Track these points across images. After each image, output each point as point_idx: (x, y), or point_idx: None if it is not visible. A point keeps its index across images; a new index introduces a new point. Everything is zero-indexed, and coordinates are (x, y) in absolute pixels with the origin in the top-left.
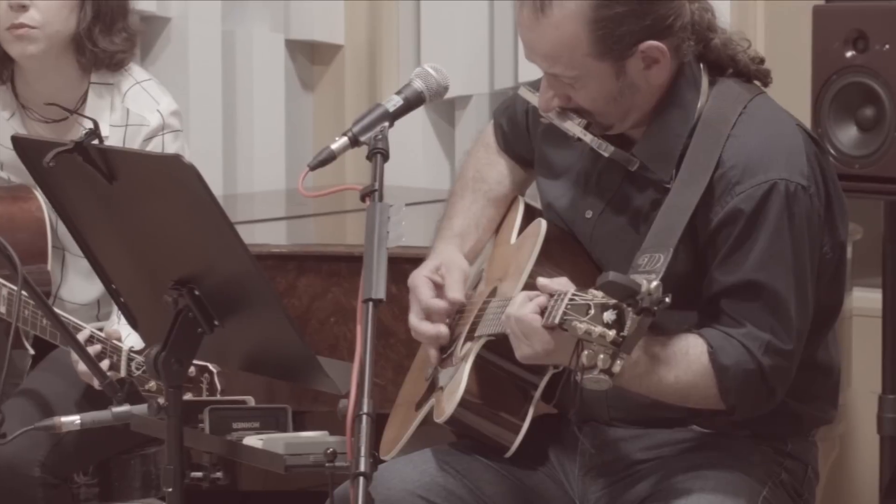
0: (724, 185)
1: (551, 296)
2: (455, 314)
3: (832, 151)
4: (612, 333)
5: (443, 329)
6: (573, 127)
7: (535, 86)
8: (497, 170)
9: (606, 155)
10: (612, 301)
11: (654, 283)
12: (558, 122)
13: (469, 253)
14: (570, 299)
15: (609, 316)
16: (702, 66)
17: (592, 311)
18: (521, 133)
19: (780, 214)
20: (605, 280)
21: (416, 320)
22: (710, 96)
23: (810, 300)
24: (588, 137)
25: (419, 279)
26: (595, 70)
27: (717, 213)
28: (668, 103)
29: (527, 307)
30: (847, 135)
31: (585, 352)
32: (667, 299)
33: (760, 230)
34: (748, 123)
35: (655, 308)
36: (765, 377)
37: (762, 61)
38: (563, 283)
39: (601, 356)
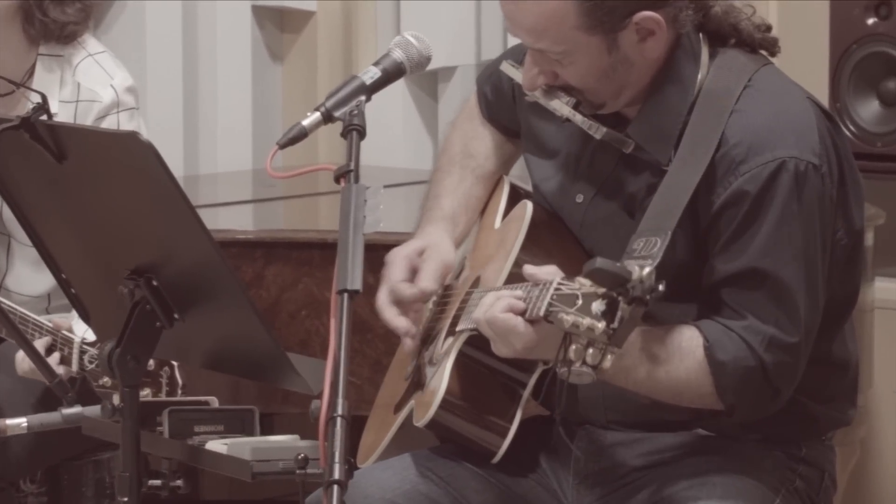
0: (727, 165)
1: (536, 285)
2: (435, 305)
3: (852, 128)
4: (601, 325)
5: (407, 323)
6: (561, 107)
7: (518, 59)
8: (485, 144)
9: (598, 137)
10: (602, 290)
11: (647, 270)
12: (545, 101)
13: (459, 237)
14: (556, 289)
15: (598, 306)
16: (701, 36)
17: (580, 302)
18: (506, 103)
19: (789, 196)
20: (592, 267)
21: (384, 301)
22: (712, 68)
23: (821, 290)
24: (578, 118)
25: (397, 257)
26: (584, 45)
27: (719, 196)
28: (664, 78)
29: (497, 307)
30: (868, 110)
31: (573, 346)
32: (660, 287)
33: (766, 213)
34: (753, 97)
35: (648, 297)
36: (767, 375)
37: (769, 29)
38: (551, 272)
39: (590, 350)
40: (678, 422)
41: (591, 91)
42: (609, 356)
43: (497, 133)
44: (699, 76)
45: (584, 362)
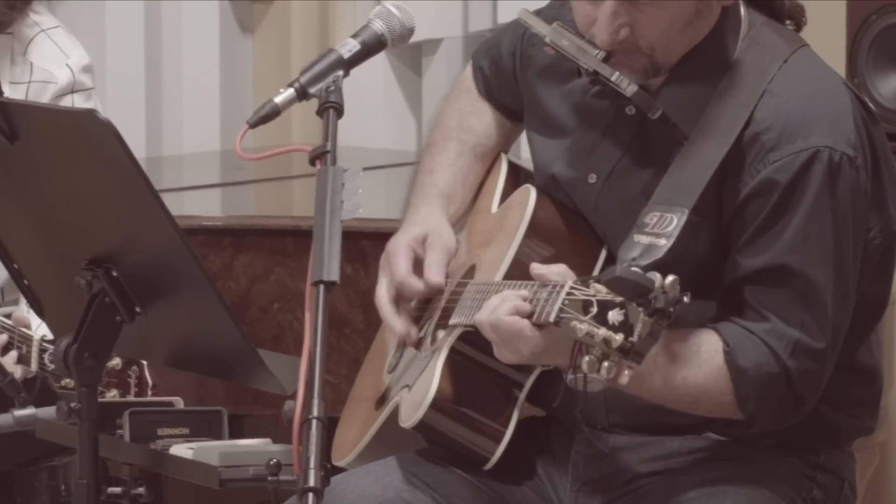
0: (756, 151)
1: (544, 286)
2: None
3: (870, 105)
4: (618, 338)
5: (406, 326)
6: (590, 60)
7: (519, 32)
8: (485, 121)
9: (628, 95)
10: (619, 298)
11: (670, 279)
12: (571, 52)
13: (453, 216)
14: (568, 293)
15: (615, 316)
16: (741, 4)
17: (595, 310)
18: (506, 79)
19: (821, 189)
20: (611, 276)
21: (385, 299)
22: (745, 42)
23: (852, 291)
24: (607, 71)
25: (400, 246)
26: None
27: (745, 184)
28: (707, 41)
29: (501, 309)
30: (888, 85)
31: (586, 357)
32: (685, 298)
33: (796, 207)
34: (788, 79)
35: (672, 309)
36: (791, 382)
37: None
38: (561, 272)
39: (605, 364)
40: (687, 425)
41: (665, 47)
42: (626, 371)
43: (496, 111)
44: (737, 49)
45: (600, 377)
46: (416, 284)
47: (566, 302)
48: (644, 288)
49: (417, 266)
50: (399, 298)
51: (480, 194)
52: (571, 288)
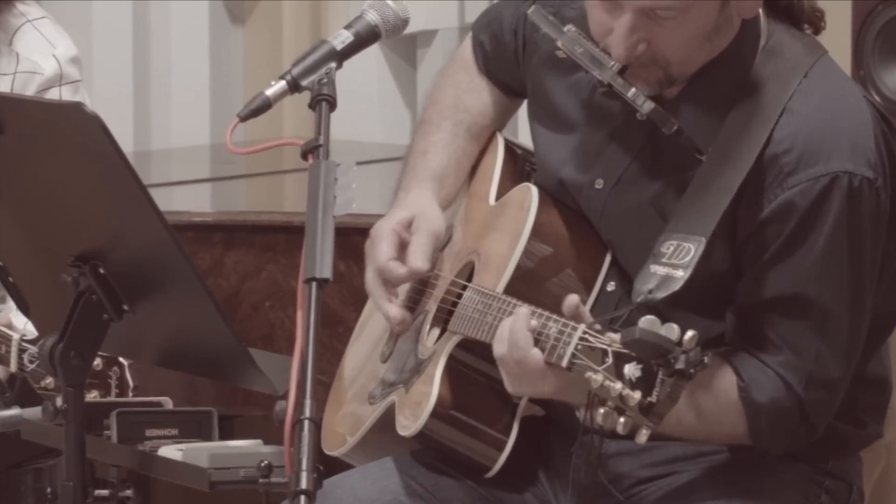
0: (775, 173)
1: (556, 319)
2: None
3: (877, 98)
4: (636, 396)
5: (401, 313)
6: (605, 72)
7: (551, 8)
8: (481, 99)
9: (644, 112)
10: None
11: (689, 334)
12: (585, 61)
13: (445, 199)
14: (582, 338)
15: (632, 371)
16: (760, 13)
17: (610, 360)
18: (506, 56)
19: (840, 216)
20: (629, 338)
21: (373, 284)
22: (764, 53)
23: (867, 315)
24: (623, 86)
25: (384, 231)
26: (704, 1)
27: (763, 207)
28: (725, 54)
29: (515, 343)
30: (894, 77)
31: (601, 410)
32: (705, 360)
33: (815, 234)
34: (808, 96)
35: (692, 370)
36: (804, 413)
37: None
38: (572, 306)
39: (622, 420)
40: None
41: (682, 62)
42: (644, 431)
43: (495, 88)
44: (755, 61)
45: (617, 431)
46: (398, 270)
47: (579, 347)
48: (663, 349)
49: (403, 250)
50: (388, 286)
51: (476, 176)
52: (585, 333)
